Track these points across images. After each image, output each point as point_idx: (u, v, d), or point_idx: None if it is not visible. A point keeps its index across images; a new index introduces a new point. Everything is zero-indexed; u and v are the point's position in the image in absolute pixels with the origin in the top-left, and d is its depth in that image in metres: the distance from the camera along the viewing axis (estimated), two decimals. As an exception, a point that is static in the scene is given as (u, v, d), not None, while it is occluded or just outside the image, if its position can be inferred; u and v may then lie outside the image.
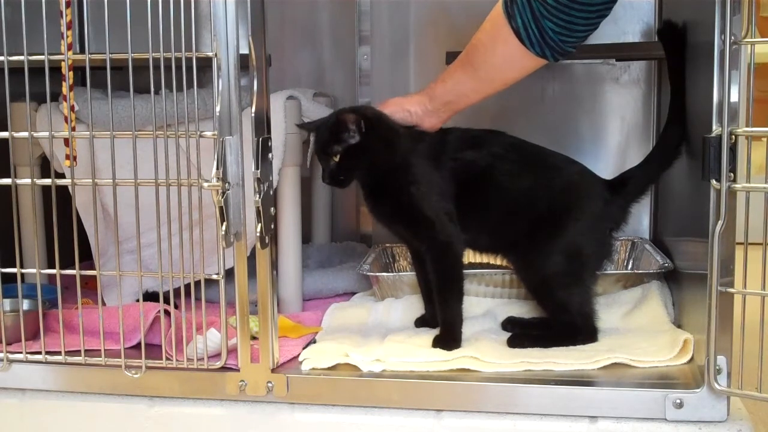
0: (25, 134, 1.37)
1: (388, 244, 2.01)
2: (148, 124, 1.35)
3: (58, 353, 1.42)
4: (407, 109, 1.53)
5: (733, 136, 1.19)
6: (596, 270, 1.55)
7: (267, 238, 1.34)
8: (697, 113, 1.42)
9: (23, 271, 1.44)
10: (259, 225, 1.32)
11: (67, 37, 1.36)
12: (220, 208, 1.29)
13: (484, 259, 1.73)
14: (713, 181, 1.21)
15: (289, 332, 1.57)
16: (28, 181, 1.39)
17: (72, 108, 1.41)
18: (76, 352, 1.42)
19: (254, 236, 1.32)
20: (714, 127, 1.21)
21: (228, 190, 1.29)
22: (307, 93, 1.95)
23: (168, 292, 1.40)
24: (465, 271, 1.55)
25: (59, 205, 1.36)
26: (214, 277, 1.34)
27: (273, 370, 1.38)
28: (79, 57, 1.41)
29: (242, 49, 1.30)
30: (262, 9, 1.32)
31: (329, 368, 1.40)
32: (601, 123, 2.17)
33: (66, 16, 1.36)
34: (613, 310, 1.63)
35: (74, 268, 1.39)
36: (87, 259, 1.63)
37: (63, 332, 1.41)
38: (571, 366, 1.37)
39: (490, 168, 1.53)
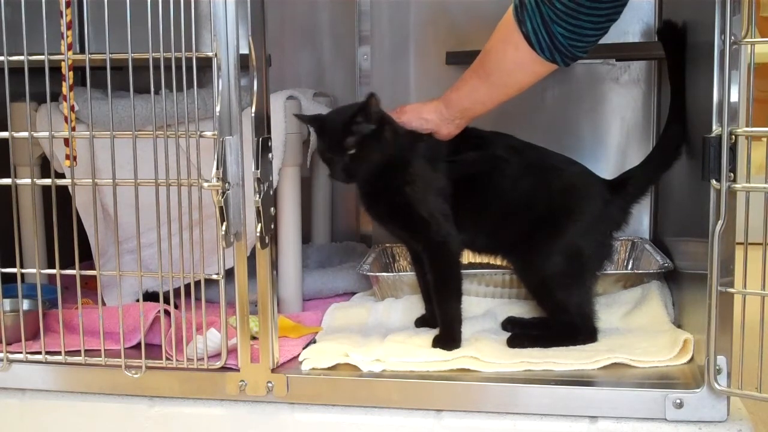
0: (25, 134, 1.37)
1: (388, 244, 2.01)
2: (148, 124, 1.35)
3: (58, 353, 1.42)
4: (423, 117, 1.53)
5: (733, 136, 1.19)
6: (596, 271, 1.55)
7: (267, 238, 1.34)
8: (697, 113, 1.42)
9: (23, 271, 1.44)
10: (259, 225, 1.32)
11: (67, 37, 1.36)
12: (220, 208, 1.29)
13: (484, 259, 1.73)
14: (713, 181, 1.21)
15: (289, 332, 1.57)
16: (28, 181, 1.39)
17: (72, 108, 1.41)
18: (76, 352, 1.42)
19: (254, 236, 1.32)
20: (714, 127, 1.21)
21: (228, 190, 1.29)
22: (307, 93, 1.95)
23: (168, 292, 1.40)
24: (465, 271, 1.55)
25: (59, 205, 1.36)
26: (214, 277, 1.34)
27: (273, 370, 1.38)
28: (79, 57, 1.41)
29: (242, 49, 1.30)
30: (262, 9, 1.32)
31: (329, 368, 1.40)
32: (601, 123, 2.17)
33: (66, 16, 1.36)
34: (613, 310, 1.64)
35: (74, 268, 1.39)
36: (87, 259, 1.63)
37: (63, 332, 1.41)
38: (571, 366, 1.37)
39: (490, 168, 1.53)
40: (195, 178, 1.33)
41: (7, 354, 1.45)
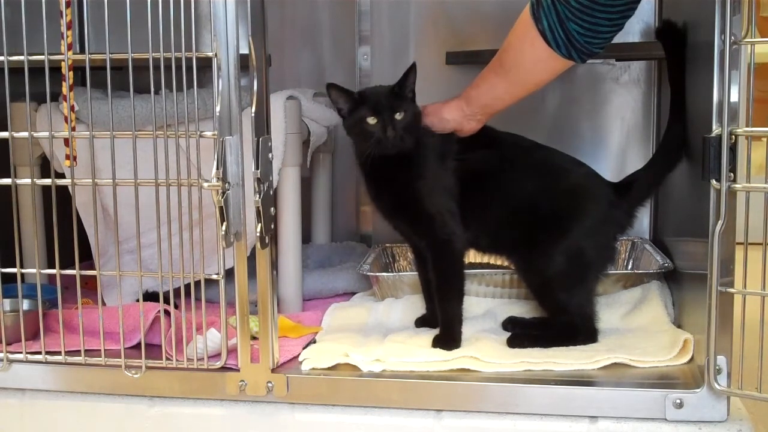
0: (25, 134, 1.37)
1: (388, 244, 2.01)
2: (148, 124, 1.35)
3: (58, 353, 1.42)
4: (445, 116, 1.54)
5: (733, 136, 1.19)
6: (599, 273, 1.55)
7: (267, 238, 1.34)
8: (697, 113, 1.42)
9: (23, 271, 1.44)
10: (259, 225, 1.32)
11: (67, 37, 1.36)
12: (220, 208, 1.29)
13: (486, 259, 1.74)
14: (713, 181, 1.21)
15: (289, 332, 1.57)
16: (28, 181, 1.39)
17: (72, 108, 1.41)
18: (76, 352, 1.42)
19: (254, 236, 1.32)
20: (714, 127, 1.21)
21: (228, 190, 1.29)
22: (307, 93, 1.95)
23: (168, 292, 1.40)
24: (465, 271, 1.55)
25: (59, 205, 1.36)
26: (214, 277, 1.34)
27: (273, 370, 1.38)
28: (79, 57, 1.41)
29: (242, 49, 1.30)
30: (262, 9, 1.32)
31: (329, 368, 1.40)
32: (601, 123, 2.17)
33: (66, 16, 1.36)
34: (613, 310, 1.64)
35: (74, 268, 1.39)
36: (87, 259, 1.63)
37: (63, 332, 1.41)
38: (571, 366, 1.37)
39: (497, 168, 1.53)
40: (195, 178, 1.33)
41: (7, 354, 1.44)
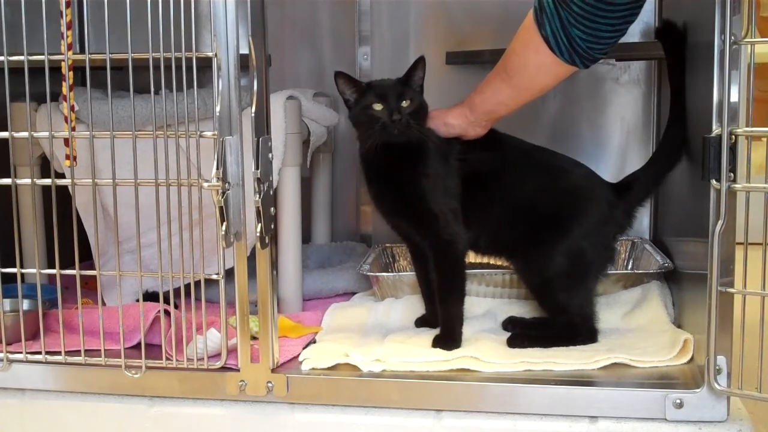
0: (25, 134, 1.37)
1: (388, 244, 2.01)
2: (148, 124, 1.35)
3: (58, 353, 1.42)
4: (449, 122, 1.54)
5: (733, 136, 1.19)
6: (599, 273, 1.55)
7: (267, 238, 1.34)
8: (697, 113, 1.42)
9: (23, 271, 1.44)
10: (259, 225, 1.32)
11: (67, 37, 1.36)
12: (220, 208, 1.29)
13: (485, 259, 1.73)
14: (713, 181, 1.21)
15: (289, 332, 1.57)
16: (28, 181, 1.39)
17: (72, 108, 1.41)
18: (76, 352, 1.42)
19: (254, 236, 1.32)
20: (714, 127, 1.21)
21: (228, 190, 1.29)
22: (307, 93, 1.95)
23: (168, 292, 1.40)
24: (466, 272, 1.54)
25: (59, 205, 1.36)
26: (214, 277, 1.34)
27: (273, 370, 1.38)
28: (79, 57, 1.41)
29: (242, 49, 1.30)
30: (262, 9, 1.32)
31: (329, 368, 1.40)
32: (601, 123, 2.17)
33: (66, 16, 1.36)
34: (613, 310, 1.64)
35: (74, 268, 1.39)
36: (87, 259, 1.63)
37: (63, 332, 1.41)
38: (571, 366, 1.37)
39: (498, 169, 1.53)
40: (195, 178, 1.33)
41: (7, 354, 1.44)
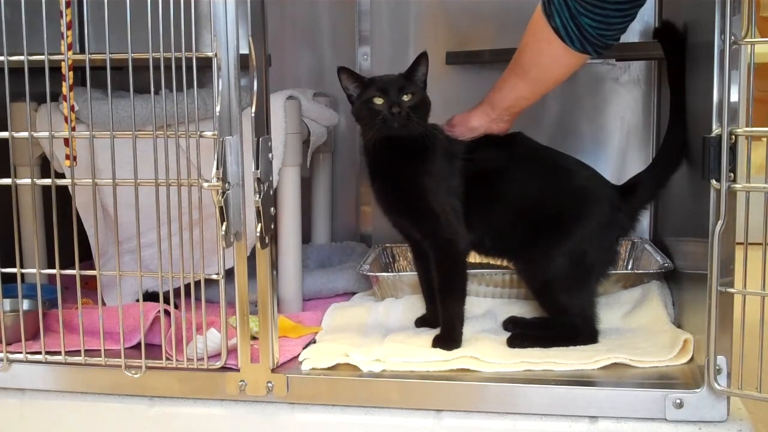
0: (25, 134, 1.37)
1: (388, 244, 2.01)
2: (148, 124, 1.35)
3: (58, 353, 1.42)
4: (472, 125, 1.56)
5: (733, 136, 1.19)
6: (600, 275, 1.55)
7: (267, 238, 1.34)
8: (697, 113, 1.42)
9: (23, 271, 1.44)
10: (259, 225, 1.32)
11: (67, 37, 1.36)
12: (220, 208, 1.29)
13: (489, 260, 1.73)
14: (713, 181, 1.21)
15: (289, 332, 1.57)
16: (28, 181, 1.39)
17: (72, 108, 1.41)
18: (76, 352, 1.42)
19: (254, 236, 1.32)
20: (714, 127, 1.21)
21: (228, 190, 1.29)
22: (307, 93, 1.95)
23: (168, 292, 1.40)
24: (467, 271, 1.54)
25: (59, 205, 1.36)
26: (214, 277, 1.34)
27: (273, 370, 1.38)
28: (79, 57, 1.41)
29: (242, 49, 1.30)
30: (262, 9, 1.32)
31: (329, 368, 1.40)
32: (601, 123, 2.17)
33: (66, 16, 1.36)
34: (613, 310, 1.64)
35: (74, 268, 1.39)
36: (87, 259, 1.63)
37: (63, 332, 1.41)
38: (571, 366, 1.37)
39: (502, 169, 1.53)
40: (195, 178, 1.33)
41: (7, 354, 1.44)
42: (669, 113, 1.54)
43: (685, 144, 1.51)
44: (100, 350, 1.40)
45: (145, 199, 1.36)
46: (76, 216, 1.39)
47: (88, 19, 1.98)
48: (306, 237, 2.04)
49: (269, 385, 1.37)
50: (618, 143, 2.17)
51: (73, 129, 1.41)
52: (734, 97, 1.19)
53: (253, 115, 1.31)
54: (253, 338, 1.39)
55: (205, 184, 1.29)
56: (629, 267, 1.96)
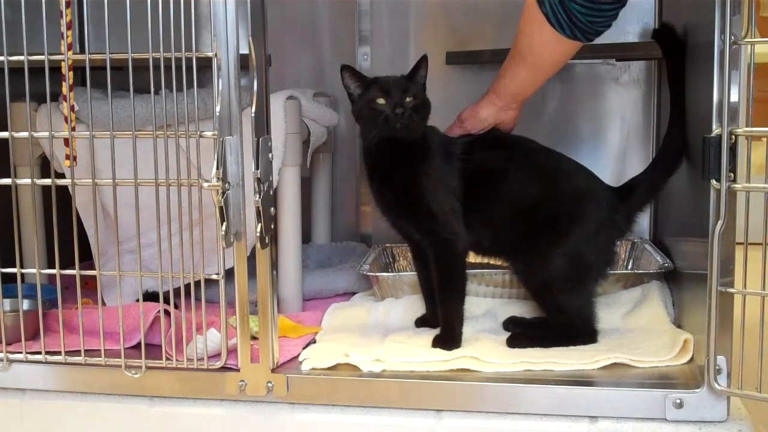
0: (25, 134, 1.37)
1: (388, 244, 2.01)
2: (148, 124, 1.35)
3: (58, 353, 1.42)
4: (481, 116, 1.57)
5: (733, 136, 1.19)
6: (598, 276, 1.55)
7: (267, 238, 1.34)
8: (697, 113, 1.42)
9: (23, 271, 1.44)
10: (259, 225, 1.32)
11: (67, 37, 1.36)
12: (220, 208, 1.29)
13: (487, 260, 1.73)
14: (713, 181, 1.21)
15: (289, 332, 1.57)
16: (28, 181, 1.39)
17: (72, 108, 1.41)
18: (76, 352, 1.42)
19: (254, 236, 1.32)
20: (714, 127, 1.21)
21: (228, 190, 1.29)
22: (307, 93, 1.95)
23: (168, 292, 1.40)
24: (466, 271, 1.54)
25: (59, 205, 1.36)
26: (214, 277, 1.34)
27: (273, 370, 1.38)
28: (79, 57, 1.41)
29: (242, 49, 1.30)
30: (262, 9, 1.32)
31: (329, 368, 1.40)
32: (601, 123, 2.17)
33: (66, 16, 1.36)
34: (613, 310, 1.64)
35: (74, 268, 1.39)
36: (87, 259, 1.63)
37: (63, 332, 1.41)
38: (571, 366, 1.37)
39: (500, 170, 1.53)
40: (195, 178, 1.33)
41: (7, 354, 1.44)
42: (669, 116, 1.54)
43: (683, 147, 1.51)
44: (100, 350, 1.40)
45: (145, 199, 1.36)
46: (76, 216, 1.39)
47: (88, 19, 1.98)
48: (306, 237, 2.04)
49: (269, 385, 1.37)
50: (618, 143, 2.17)
51: (73, 129, 1.41)
52: (734, 97, 1.19)
53: (253, 115, 1.31)
54: (253, 338, 1.39)
55: (205, 184, 1.29)
56: (629, 267, 1.96)
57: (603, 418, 1.28)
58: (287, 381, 1.37)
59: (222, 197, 1.29)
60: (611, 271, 1.70)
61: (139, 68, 1.29)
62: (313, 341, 1.55)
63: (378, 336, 1.55)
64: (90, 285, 1.65)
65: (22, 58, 1.33)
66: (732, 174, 1.20)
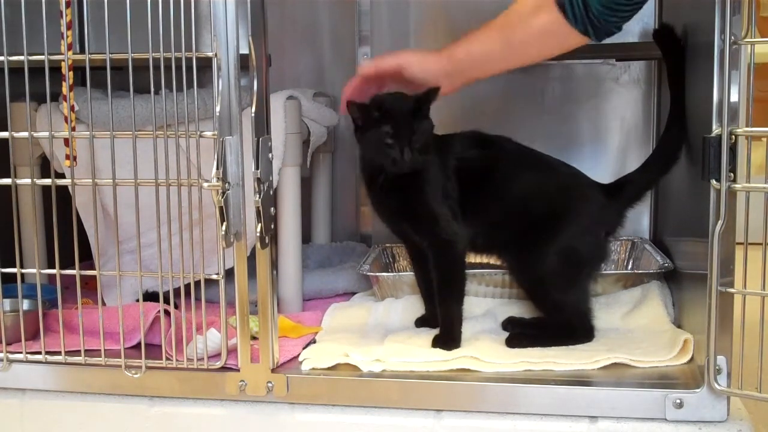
0: (25, 134, 1.37)
1: (388, 244, 2.01)
2: (148, 124, 1.35)
3: (58, 353, 1.42)
4: (425, 67, 1.45)
5: (733, 136, 1.19)
6: (592, 271, 1.55)
7: (267, 238, 1.34)
8: (697, 113, 1.42)
9: (23, 271, 1.44)
10: (259, 225, 1.32)
11: (67, 37, 1.36)
12: (220, 208, 1.29)
13: (483, 259, 1.73)
14: (713, 181, 1.21)
15: (289, 332, 1.57)
16: (28, 181, 1.39)
17: (72, 108, 1.41)
18: (76, 352, 1.42)
19: (254, 236, 1.32)
20: (714, 127, 1.21)
21: (228, 190, 1.29)
22: (307, 93, 1.95)
23: (168, 292, 1.40)
24: (466, 272, 1.54)
25: (59, 205, 1.36)
26: (214, 277, 1.34)
27: (273, 370, 1.38)
28: (79, 57, 1.41)
29: (242, 49, 1.30)
30: (262, 9, 1.32)
31: (329, 368, 1.40)
32: (601, 123, 2.17)
33: (66, 16, 1.36)
34: (613, 310, 1.64)
35: (74, 268, 1.39)
36: (87, 259, 1.63)
37: (63, 332, 1.41)
38: (571, 366, 1.37)
39: (490, 169, 1.53)
40: (195, 178, 1.33)
41: (7, 354, 1.44)
42: (668, 115, 1.54)
43: (679, 148, 1.51)
44: (100, 350, 1.40)
45: (145, 199, 1.36)
46: (76, 216, 1.39)
47: (88, 19, 1.98)
48: (306, 237, 2.04)
49: (269, 385, 1.37)
50: (618, 143, 2.16)
51: (73, 129, 1.41)
52: (734, 97, 1.19)
53: (253, 115, 1.31)
54: (253, 338, 1.39)
55: (205, 184, 1.29)
56: (629, 267, 1.96)
57: (603, 418, 1.28)
58: (287, 381, 1.37)
59: (222, 197, 1.29)
60: (611, 271, 1.71)
61: (139, 68, 1.29)
62: (313, 341, 1.55)
63: (378, 336, 1.55)
64: (90, 285, 1.65)
65: (22, 58, 1.33)
66: (732, 174, 1.20)
